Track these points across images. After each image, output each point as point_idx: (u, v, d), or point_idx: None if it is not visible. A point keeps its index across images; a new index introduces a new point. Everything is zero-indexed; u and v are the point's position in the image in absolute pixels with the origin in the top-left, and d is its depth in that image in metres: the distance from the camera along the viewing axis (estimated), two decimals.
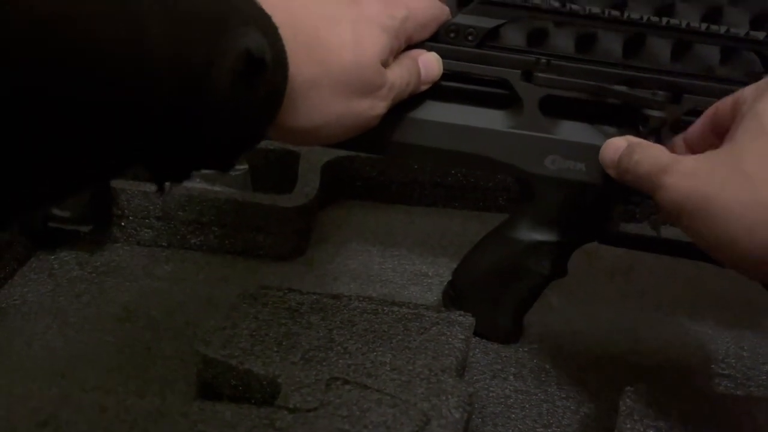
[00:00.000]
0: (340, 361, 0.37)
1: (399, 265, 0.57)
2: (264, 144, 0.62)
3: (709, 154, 0.33)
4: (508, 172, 0.44)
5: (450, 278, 0.50)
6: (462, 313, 0.43)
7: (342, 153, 0.62)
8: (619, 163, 0.38)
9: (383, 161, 0.63)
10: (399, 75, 0.38)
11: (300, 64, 0.32)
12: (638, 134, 0.39)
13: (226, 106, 0.28)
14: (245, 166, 0.62)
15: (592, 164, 0.42)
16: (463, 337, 0.41)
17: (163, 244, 0.55)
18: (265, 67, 0.29)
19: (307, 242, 0.57)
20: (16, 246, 0.50)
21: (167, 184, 0.31)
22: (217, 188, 0.56)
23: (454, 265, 0.50)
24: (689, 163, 0.33)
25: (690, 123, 0.39)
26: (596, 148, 0.41)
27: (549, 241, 0.45)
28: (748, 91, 0.34)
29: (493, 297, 0.47)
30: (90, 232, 0.53)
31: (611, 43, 0.42)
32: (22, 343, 0.44)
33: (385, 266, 0.57)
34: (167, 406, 0.32)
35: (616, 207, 0.42)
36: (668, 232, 0.44)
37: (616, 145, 0.39)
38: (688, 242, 0.35)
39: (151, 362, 0.43)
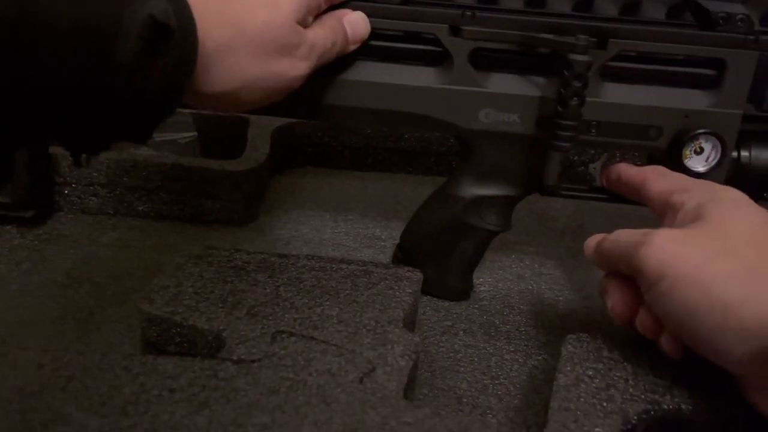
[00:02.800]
0: (286, 315, 0.37)
1: (352, 229, 0.57)
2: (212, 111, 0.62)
3: (691, 228, 0.35)
4: (444, 128, 0.44)
5: None
6: (410, 269, 0.43)
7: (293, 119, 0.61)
8: (598, 247, 0.39)
9: (334, 127, 0.62)
10: (322, 35, 0.38)
11: (211, 28, 0.32)
12: (564, 81, 0.40)
13: (135, 75, 0.28)
14: (194, 134, 0.61)
15: (525, 115, 0.42)
16: (410, 290, 0.41)
17: (109, 211, 0.54)
18: (170, 32, 0.28)
19: (258, 208, 0.57)
20: None
21: (83, 156, 0.31)
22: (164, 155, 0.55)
23: None
24: (672, 232, 0.35)
25: (618, 68, 0.40)
26: (528, 99, 0.42)
27: (491, 196, 0.45)
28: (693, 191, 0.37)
29: (441, 255, 0.48)
30: (32, 217, 0.51)
31: None
32: None
33: (338, 230, 0.57)
34: (107, 361, 0.31)
35: (553, 157, 0.43)
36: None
37: (594, 238, 0.40)
38: None
39: (94, 327, 0.42)
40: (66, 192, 0.53)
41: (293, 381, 0.32)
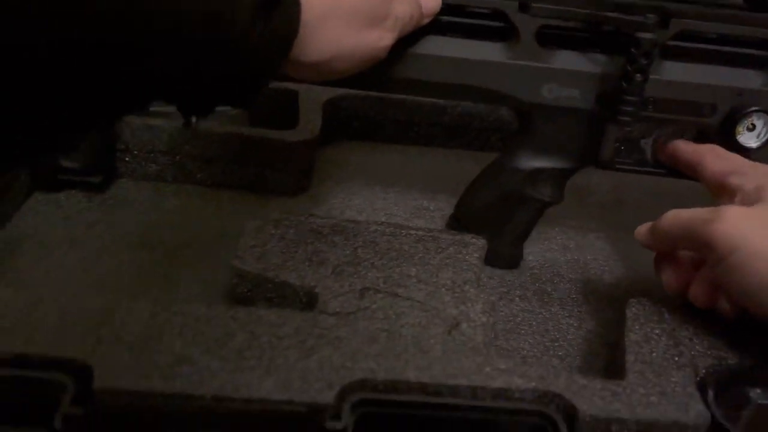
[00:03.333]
0: (369, 274, 0.39)
1: (401, 200, 0.59)
2: None
3: (757, 207, 0.37)
4: (508, 102, 0.46)
5: (451, 211, 0.52)
6: (474, 236, 0.45)
7: (341, 91, 0.63)
8: (654, 228, 0.41)
9: (380, 101, 0.64)
10: (402, 8, 0.39)
11: None
12: (630, 58, 0.42)
13: (247, 40, 0.29)
14: None
15: (586, 90, 0.44)
16: (477, 255, 0.43)
17: (168, 179, 0.55)
18: (280, 0, 0.30)
19: (310, 180, 0.58)
20: (22, 177, 0.50)
21: (193, 118, 0.32)
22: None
23: (454, 200, 0.52)
24: (742, 209, 0.37)
25: (677, 47, 0.43)
26: (589, 75, 0.44)
27: (547, 168, 0.47)
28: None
29: (496, 225, 0.50)
30: (99, 182, 0.53)
31: None
32: (42, 271, 0.44)
33: (388, 201, 0.58)
34: (214, 311, 0.33)
35: (610, 131, 0.45)
36: None
37: (645, 225, 0.42)
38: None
39: (173, 286, 0.44)
40: (127, 159, 0.54)
41: (389, 332, 0.34)
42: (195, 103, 0.32)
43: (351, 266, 0.39)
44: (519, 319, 0.47)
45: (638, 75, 0.42)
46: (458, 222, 0.51)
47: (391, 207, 0.58)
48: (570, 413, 0.31)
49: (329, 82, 0.41)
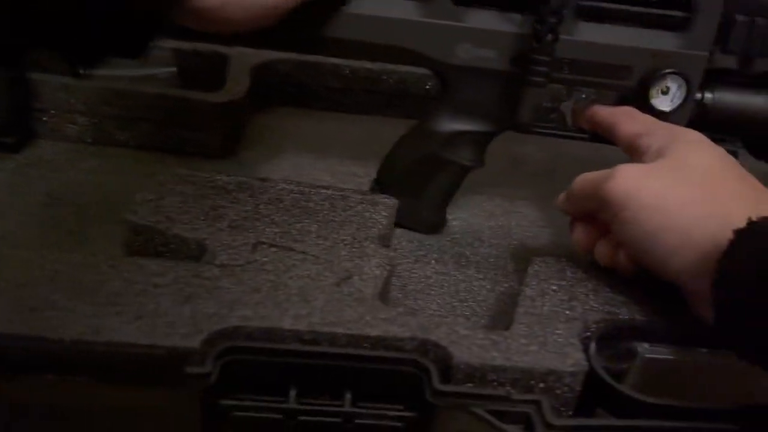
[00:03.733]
0: (267, 229, 0.38)
1: (331, 166, 0.58)
2: (191, 46, 0.62)
3: (654, 163, 0.38)
4: (423, 62, 0.46)
5: None
6: (386, 196, 0.45)
7: (272, 56, 0.62)
8: (568, 192, 0.42)
9: (314, 67, 0.63)
10: None
11: None
12: (540, 17, 0.41)
13: None
14: (173, 69, 0.62)
15: (502, 51, 0.44)
16: (386, 214, 0.43)
17: (89, 140, 0.54)
18: None
19: (238, 143, 0.58)
20: None
21: (82, 70, 0.31)
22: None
23: None
24: (636, 165, 0.38)
25: (591, 8, 0.43)
26: (505, 35, 0.43)
27: (466, 131, 0.47)
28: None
29: (416, 188, 0.49)
30: (13, 143, 0.51)
31: None
32: None
33: (317, 167, 0.58)
34: (94, 260, 0.33)
35: (527, 94, 0.44)
36: None
37: (563, 193, 0.43)
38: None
39: (77, 242, 0.43)
40: (44, 119, 0.53)
41: (274, 282, 0.34)
42: (83, 49, 0.31)
43: (249, 221, 0.39)
44: (431, 280, 0.47)
45: (548, 35, 0.42)
46: (380, 185, 0.51)
47: (320, 173, 0.57)
48: (445, 361, 0.31)
49: (247, 41, 0.40)
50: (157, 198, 0.39)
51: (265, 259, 0.36)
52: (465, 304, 0.45)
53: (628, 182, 0.36)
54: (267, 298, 0.32)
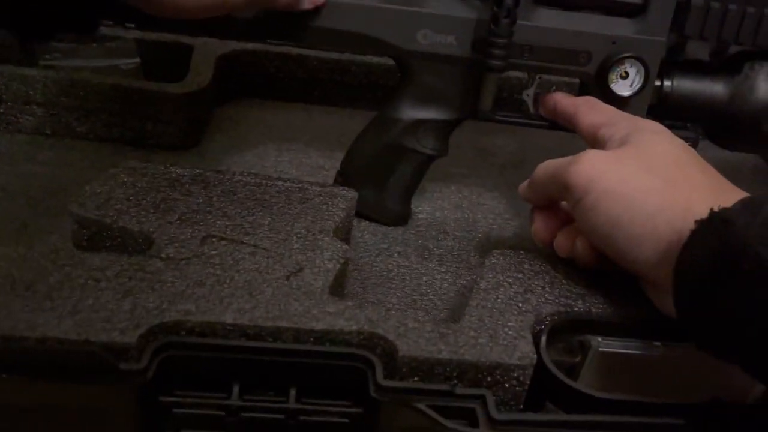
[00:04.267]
0: (218, 222, 0.38)
1: (295, 159, 0.57)
2: (155, 36, 0.61)
3: (617, 150, 0.37)
4: (383, 49, 0.45)
5: None
6: (346, 188, 0.44)
7: (238, 47, 0.61)
8: (530, 180, 0.41)
9: (281, 57, 0.62)
10: None
11: None
12: (498, 0, 0.41)
13: None
14: (136, 60, 0.60)
15: (462, 37, 0.43)
16: (344, 206, 0.42)
17: (47, 131, 0.53)
18: None
19: (200, 134, 0.57)
20: None
21: (32, 45, 0.30)
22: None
23: None
24: (599, 152, 0.37)
25: None
26: (464, 21, 0.43)
27: (428, 119, 0.46)
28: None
29: (379, 179, 0.49)
30: None
31: None
32: None
33: (281, 159, 0.57)
34: (34, 253, 0.32)
35: (489, 80, 0.44)
36: None
37: (526, 181, 0.42)
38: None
39: (27, 236, 0.42)
40: (1, 110, 0.52)
41: (220, 276, 0.33)
42: (33, 23, 0.30)
43: (200, 214, 0.38)
44: (393, 274, 0.46)
45: (505, 18, 0.41)
46: (343, 176, 0.50)
47: (284, 165, 0.56)
48: (391, 355, 0.30)
49: (211, 31, 0.39)
50: (106, 191, 0.38)
51: (213, 252, 0.35)
52: (426, 297, 0.44)
53: (592, 167, 0.36)
54: (211, 292, 0.32)
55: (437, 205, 0.54)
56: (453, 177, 0.57)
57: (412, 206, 0.52)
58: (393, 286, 0.45)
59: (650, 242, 0.33)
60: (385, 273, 0.46)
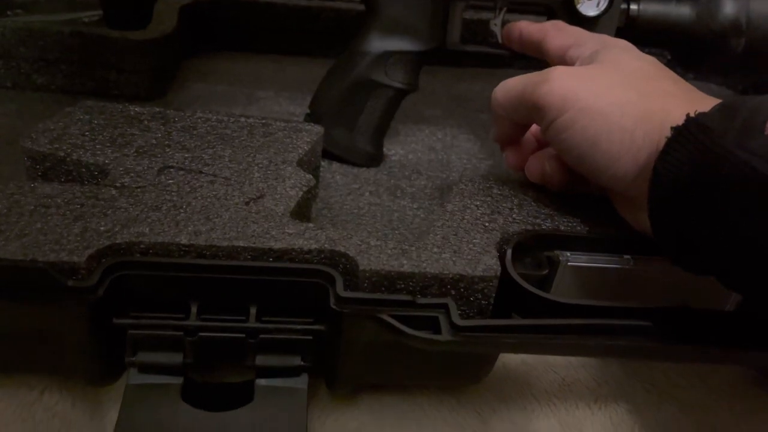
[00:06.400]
0: (176, 154, 0.37)
1: (265, 107, 0.56)
2: None
3: (587, 67, 0.36)
4: None
5: None
6: (312, 124, 0.43)
7: None
8: (492, 108, 0.39)
9: (247, 6, 0.61)
10: None
11: None
12: None
13: None
14: (98, 12, 0.59)
15: None
16: (308, 140, 0.41)
17: (7, 84, 0.52)
18: None
19: (167, 85, 0.56)
20: None
21: None
22: None
23: None
24: (570, 68, 0.36)
25: None
26: None
27: (396, 51, 0.45)
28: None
29: (350, 118, 0.48)
30: None
31: None
32: None
33: (250, 107, 0.56)
34: None
35: (456, 10, 0.43)
36: None
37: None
38: None
39: None
40: None
41: (176, 202, 0.32)
42: None
43: (159, 148, 0.37)
44: (364, 211, 0.45)
45: None
46: (313, 116, 0.49)
47: (253, 112, 0.55)
48: (352, 271, 0.30)
49: None
50: (60, 128, 0.37)
51: (170, 181, 0.34)
52: (397, 231, 0.43)
53: (564, 85, 0.34)
54: (166, 216, 0.31)
55: (410, 147, 0.53)
56: (427, 120, 0.57)
57: (384, 149, 0.51)
58: (363, 222, 0.44)
59: (629, 156, 0.32)
60: (355, 211, 0.45)
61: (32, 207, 0.30)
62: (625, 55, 0.37)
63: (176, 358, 0.29)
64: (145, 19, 0.56)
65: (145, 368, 0.29)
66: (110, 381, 0.31)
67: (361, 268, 0.29)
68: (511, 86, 0.38)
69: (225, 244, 0.30)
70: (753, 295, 0.31)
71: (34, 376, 0.32)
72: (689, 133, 0.29)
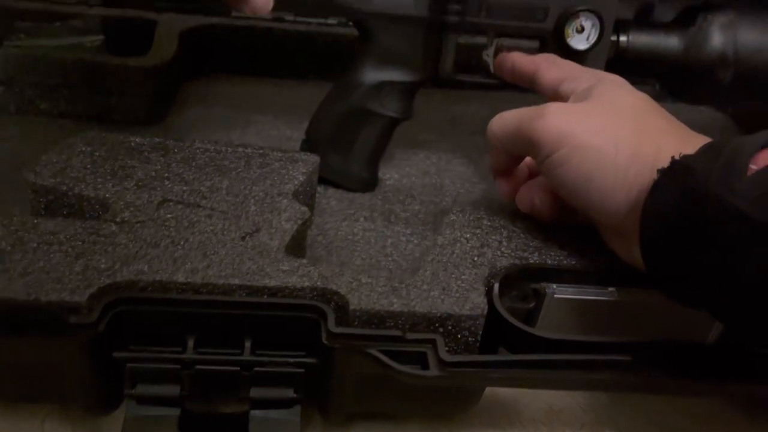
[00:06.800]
0: (175, 187, 0.38)
1: (263, 131, 0.57)
2: (119, 12, 0.60)
3: (582, 103, 0.36)
4: (343, 12, 0.45)
5: None
6: (308, 153, 0.44)
7: (203, 21, 0.61)
8: (488, 131, 0.39)
9: (246, 31, 0.62)
10: None
11: None
12: None
13: None
14: (100, 37, 0.60)
15: None
16: (304, 170, 0.42)
17: (11, 109, 0.53)
18: None
19: (167, 109, 0.57)
20: None
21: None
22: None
23: None
24: (565, 105, 0.37)
25: None
26: None
27: (390, 81, 0.46)
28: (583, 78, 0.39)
29: (345, 144, 0.49)
30: None
31: None
32: None
33: (247, 131, 0.57)
34: None
35: (448, 41, 0.44)
36: None
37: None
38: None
39: None
40: None
41: (174, 238, 0.33)
42: None
43: (158, 180, 0.38)
44: (358, 237, 0.46)
45: None
46: (309, 143, 0.50)
47: (251, 137, 0.56)
48: (343, 308, 0.31)
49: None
50: (63, 160, 0.38)
51: (168, 215, 0.35)
52: (390, 258, 0.44)
53: (560, 121, 0.35)
54: (164, 253, 0.32)
55: (405, 171, 0.54)
56: (422, 144, 0.58)
57: (379, 173, 0.52)
58: (358, 248, 0.45)
59: (621, 193, 0.33)
60: (350, 237, 0.46)
61: (35, 244, 0.31)
62: (619, 90, 0.38)
63: (173, 390, 0.30)
64: (145, 44, 0.58)
65: (143, 400, 0.30)
66: (109, 410, 0.32)
67: (351, 307, 0.30)
68: (507, 119, 0.38)
69: (221, 282, 0.31)
70: (742, 328, 0.32)
71: (36, 405, 0.33)
72: (675, 175, 0.30)
